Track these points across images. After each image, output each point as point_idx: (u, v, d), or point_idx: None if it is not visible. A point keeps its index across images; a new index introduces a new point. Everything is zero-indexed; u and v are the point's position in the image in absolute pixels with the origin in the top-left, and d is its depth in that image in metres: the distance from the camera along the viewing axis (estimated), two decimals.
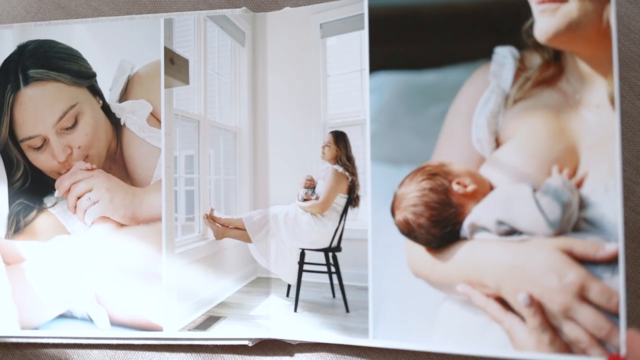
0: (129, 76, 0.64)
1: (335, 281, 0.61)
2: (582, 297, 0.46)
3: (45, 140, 0.64)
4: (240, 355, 0.63)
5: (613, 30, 0.48)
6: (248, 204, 0.63)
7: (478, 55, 0.53)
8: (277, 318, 0.61)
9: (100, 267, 0.63)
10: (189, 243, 0.64)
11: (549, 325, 0.48)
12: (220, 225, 0.64)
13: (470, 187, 0.51)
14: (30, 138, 0.64)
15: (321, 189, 0.61)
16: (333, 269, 0.62)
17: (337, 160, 0.61)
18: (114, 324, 0.62)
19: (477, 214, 0.51)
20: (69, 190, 0.64)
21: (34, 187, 0.65)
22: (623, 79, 0.62)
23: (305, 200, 0.61)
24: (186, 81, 0.64)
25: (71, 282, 0.63)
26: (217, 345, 0.63)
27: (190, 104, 0.64)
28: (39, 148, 0.64)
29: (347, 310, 0.58)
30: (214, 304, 0.62)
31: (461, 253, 0.52)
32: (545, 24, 0.49)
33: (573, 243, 0.47)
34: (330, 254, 0.62)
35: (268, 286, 0.62)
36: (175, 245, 0.62)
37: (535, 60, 0.52)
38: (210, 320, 0.62)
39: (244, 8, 0.64)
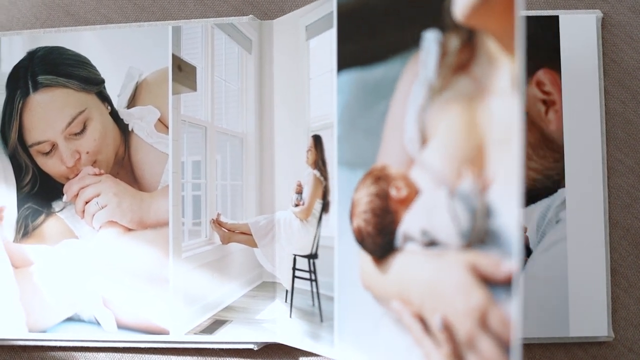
0: (137, 82, 0.65)
1: (315, 289, 0.60)
2: (484, 324, 0.40)
3: (53, 145, 0.65)
4: (245, 359, 0.63)
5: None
6: (254, 209, 0.64)
7: (412, 42, 0.47)
8: (281, 322, 0.61)
9: (107, 270, 0.63)
10: (196, 247, 0.64)
11: (457, 355, 0.42)
12: (226, 230, 0.64)
13: (403, 192, 0.48)
14: (39, 143, 0.65)
15: (305, 194, 0.61)
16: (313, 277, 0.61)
17: (316, 164, 0.60)
18: (121, 327, 0.63)
19: (406, 222, 0.47)
20: (77, 194, 0.65)
21: (43, 191, 0.66)
22: (626, 87, 0.63)
23: (296, 205, 0.61)
24: (194, 88, 0.64)
25: (79, 285, 0.64)
26: (223, 349, 0.63)
27: (197, 110, 0.65)
28: (47, 153, 0.65)
29: (322, 320, 0.57)
30: (220, 308, 0.63)
31: (395, 265, 0.48)
32: None
33: (477, 259, 0.41)
34: (311, 261, 0.61)
35: (274, 291, 0.63)
36: (182, 249, 0.63)
37: (454, 43, 0.45)
38: (216, 324, 0.62)
39: (250, 16, 0.64)
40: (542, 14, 0.61)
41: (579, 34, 0.61)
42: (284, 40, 0.63)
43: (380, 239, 0.49)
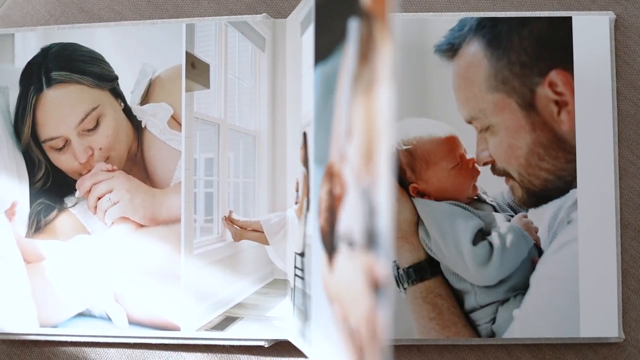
0: (150, 79, 0.65)
1: (304, 287, 0.59)
2: (373, 330, 0.36)
3: (67, 141, 0.65)
4: (256, 356, 0.63)
5: None
6: (266, 207, 0.64)
7: (345, 32, 0.43)
8: (288, 320, 0.61)
9: (119, 266, 0.64)
10: (208, 244, 0.64)
11: None
12: (238, 227, 0.64)
13: (339, 190, 0.44)
14: (52, 139, 0.65)
15: (299, 192, 0.60)
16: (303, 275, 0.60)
17: (305, 162, 0.58)
18: (132, 323, 0.63)
19: (340, 221, 0.44)
20: (90, 190, 0.65)
21: (55, 187, 0.66)
22: (638, 89, 0.63)
23: (296, 203, 0.61)
24: (207, 85, 0.65)
25: (90, 281, 0.64)
26: (233, 346, 0.63)
27: (210, 107, 0.65)
28: (60, 149, 0.65)
29: (306, 319, 0.57)
30: (231, 305, 0.63)
31: (336, 266, 0.45)
32: None
33: (370, 261, 0.37)
34: (302, 259, 0.59)
35: (285, 288, 0.63)
36: (193, 246, 0.63)
37: (364, 30, 0.41)
38: (227, 321, 0.62)
39: (264, 14, 0.65)
40: (555, 15, 0.61)
41: (592, 36, 0.61)
42: (292, 37, 0.63)
43: (331, 238, 0.47)
